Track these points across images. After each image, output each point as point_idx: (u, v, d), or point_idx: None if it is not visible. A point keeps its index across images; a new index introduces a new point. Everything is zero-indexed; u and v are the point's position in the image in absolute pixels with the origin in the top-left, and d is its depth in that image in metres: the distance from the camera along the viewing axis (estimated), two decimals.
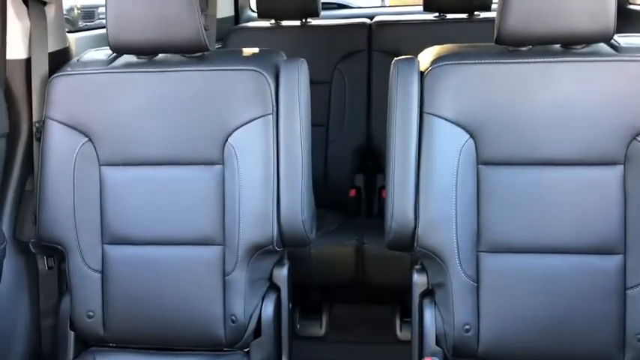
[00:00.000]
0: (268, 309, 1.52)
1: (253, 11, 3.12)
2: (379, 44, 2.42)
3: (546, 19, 1.32)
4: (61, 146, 1.51)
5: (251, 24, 2.73)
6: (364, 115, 2.41)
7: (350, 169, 2.41)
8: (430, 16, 2.50)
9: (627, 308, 1.36)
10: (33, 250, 1.57)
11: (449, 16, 2.45)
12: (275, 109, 1.46)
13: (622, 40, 1.42)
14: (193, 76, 1.48)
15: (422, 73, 1.42)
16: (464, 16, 2.43)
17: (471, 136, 1.38)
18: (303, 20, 2.52)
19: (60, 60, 1.62)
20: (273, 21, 2.54)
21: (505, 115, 1.38)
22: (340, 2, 3.69)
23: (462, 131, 1.38)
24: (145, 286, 1.52)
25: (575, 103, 1.36)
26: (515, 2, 1.32)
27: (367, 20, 2.53)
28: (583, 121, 1.36)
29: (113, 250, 1.53)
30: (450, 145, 1.39)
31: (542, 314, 1.39)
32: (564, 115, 1.36)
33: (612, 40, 1.38)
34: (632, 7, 2.29)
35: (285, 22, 2.54)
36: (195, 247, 1.50)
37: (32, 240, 1.56)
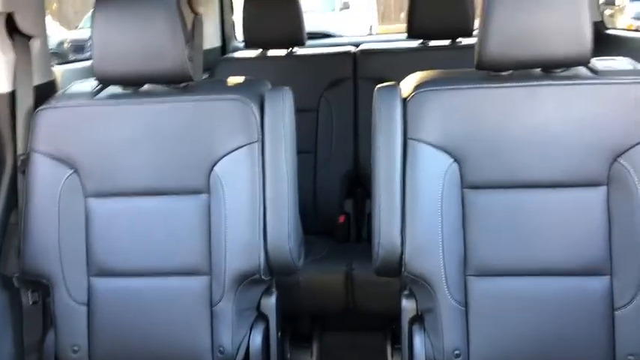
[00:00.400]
0: (256, 339, 1.50)
1: (240, 42, 3.15)
2: (364, 72, 2.45)
3: (525, 44, 1.35)
4: (46, 179, 1.51)
5: (237, 54, 2.76)
6: (351, 142, 2.43)
7: (338, 196, 2.41)
8: (414, 44, 2.54)
9: (616, 329, 1.36)
10: (17, 285, 1.55)
11: (432, 43, 2.49)
12: (260, 137, 1.47)
13: (600, 63, 1.44)
14: (178, 106, 1.49)
15: (404, 100, 1.43)
16: (447, 42, 2.47)
17: (455, 160, 1.40)
18: (289, 49, 2.55)
19: (45, 93, 1.63)
20: (259, 51, 2.57)
21: (488, 139, 1.39)
22: (325, 32, 3.74)
23: (446, 156, 1.40)
24: (131, 319, 1.50)
25: (557, 126, 1.38)
26: (494, 28, 1.35)
27: (352, 48, 2.57)
28: (565, 144, 1.37)
29: (99, 283, 1.51)
30: (434, 170, 1.40)
31: (532, 337, 1.38)
32: (546, 138, 1.38)
33: (590, 64, 1.41)
34: (609, 32, 2.34)
35: (271, 52, 2.57)
36: (182, 278, 1.49)
37: (16, 274, 1.54)
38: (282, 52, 2.56)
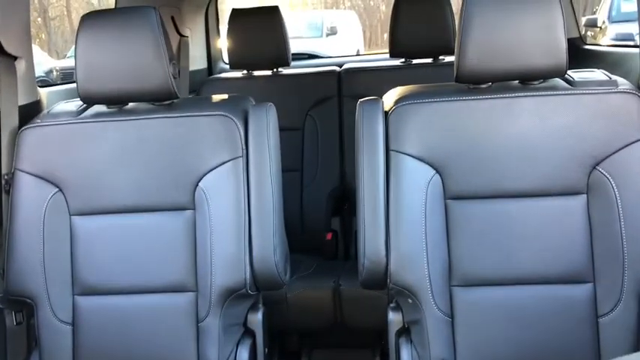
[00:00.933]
0: (243, 355, 1.49)
1: (226, 63, 3.19)
2: (349, 90, 2.48)
3: (502, 57, 1.38)
4: (30, 198, 1.51)
5: (223, 75, 2.79)
6: (338, 159, 2.44)
7: (325, 213, 2.42)
8: (397, 62, 2.58)
9: (600, 336, 1.36)
10: (1, 305, 1.54)
11: (414, 61, 2.54)
12: (245, 152, 1.48)
13: (575, 75, 1.48)
14: (162, 123, 1.50)
15: (386, 113, 1.46)
16: (429, 60, 2.51)
17: (437, 171, 1.41)
18: (275, 70, 2.58)
19: (30, 113, 1.64)
20: (245, 71, 2.60)
21: (468, 150, 1.41)
22: (311, 52, 3.79)
23: (428, 167, 1.41)
24: (117, 337, 1.48)
25: (535, 136, 1.40)
26: (472, 42, 1.38)
27: (336, 68, 2.60)
28: (544, 153, 1.40)
29: (84, 301, 1.50)
30: (416, 182, 1.41)
31: (518, 346, 1.38)
32: (526, 148, 1.40)
33: (567, 76, 1.44)
34: (587, 47, 2.39)
35: (256, 73, 2.60)
36: (168, 295, 1.48)
37: (0, 295, 1.53)
38: (268, 72, 2.59)
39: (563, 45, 1.37)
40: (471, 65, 1.39)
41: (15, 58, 1.61)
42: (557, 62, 1.38)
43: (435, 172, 1.41)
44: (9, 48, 1.57)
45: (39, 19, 13.23)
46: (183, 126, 1.49)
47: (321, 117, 2.46)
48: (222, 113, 1.49)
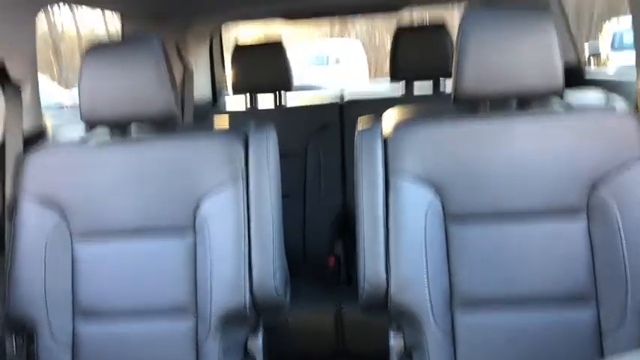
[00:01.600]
0: None
1: (229, 94, 3.24)
2: (350, 120, 2.50)
3: (498, 77, 1.39)
4: (33, 223, 1.52)
5: (228, 108, 2.84)
6: (339, 185, 2.46)
7: (328, 239, 2.42)
8: (398, 94, 2.62)
9: (605, 357, 1.34)
10: (0, 332, 1.53)
11: (416, 92, 2.57)
12: (245, 175, 1.49)
13: (573, 95, 1.49)
14: (163, 146, 1.52)
15: (384, 136, 1.47)
16: (429, 92, 2.55)
17: (437, 194, 1.42)
18: (277, 102, 2.62)
19: (35, 139, 1.66)
20: (248, 100, 2.64)
21: (468, 172, 1.42)
22: (316, 86, 3.84)
23: (427, 190, 1.42)
24: None
25: (534, 157, 1.41)
26: (468, 63, 1.39)
27: (338, 100, 2.65)
28: (543, 174, 1.40)
29: (84, 326, 1.50)
30: (416, 204, 1.41)
31: None
32: (525, 169, 1.41)
33: (564, 97, 1.45)
34: (587, 72, 2.41)
35: (260, 104, 2.64)
36: (168, 319, 1.48)
37: (0, 320, 1.53)
38: (271, 103, 2.63)
39: (559, 64, 1.38)
40: (468, 86, 1.40)
41: (20, 84, 1.65)
42: (554, 82, 1.39)
43: (434, 194, 1.41)
44: (15, 74, 1.61)
45: (51, 55, 13.53)
46: (183, 150, 1.51)
47: (323, 143, 2.49)
48: (222, 136, 1.51)
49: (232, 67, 2.61)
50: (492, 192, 1.41)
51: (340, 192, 2.44)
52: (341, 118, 2.53)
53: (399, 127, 1.46)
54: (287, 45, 2.64)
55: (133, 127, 1.58)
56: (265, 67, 2.55)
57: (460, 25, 1.40)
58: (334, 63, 10.23)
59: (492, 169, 1.41)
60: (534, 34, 1.37)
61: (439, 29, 2.49)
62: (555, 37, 1.38)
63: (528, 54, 1.37)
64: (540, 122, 1.42)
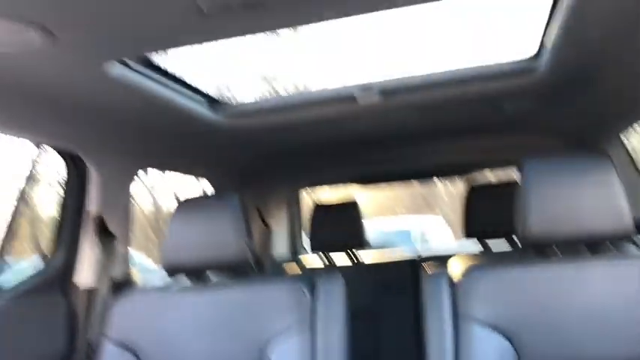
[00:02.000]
0: None
1: (306, 251, 3.33)
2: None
3: (564, 223, 1.38)
4: None
5: (305, 265, 2.91)
6: (414, 342, 2.37)
7: None
8: (474, 248, 2.61)
9: None
10: None
11: (493, 248, 2.55)
12: (312, 323, 1.50)
13: None
14: (236, 291, 1.58)
15: (453, 283, 1.46)
16: (505, 248, 2.52)
17: (509, 341, 1.36)
18: (354, 260, 2.66)
19: (123, 286, 1.78)
20: (326, 261, 2.71)
21: (540, 318, 1.36)
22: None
23: (499, 336, 1.36)
24: None
25: (608, 303, 1.34)
26: (533, 207, 1.40)
27: (415, 257, 2.66)
28: (617, 320, 1.32)
29: None
30: (488, 351, 1.35)
31: None
32: (598, 315, 1.33)
33: (637, 240, 1.41)
34: None
35: (338, 263, 2.70)
36: None
37: None
38: (348, 262, 2.68)
39: (625, 209, 1.37)
40: (534, 230, 1.40)
41: (114, 237, 1.82)
42: (622, 226, 1.36)
43: (506, 340, 1.35)
44: (111, 228, 1.79)
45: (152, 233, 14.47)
46: (253, 295, 1.55)
47: (396, 300, 2.46)
48: (292, 283, 1.55)
49: (310, 225, 2.73)
50: (566, 339, 1.33)
51: (414, 349, 2.35)
52: (415, 274, 2.52)
53: (468, 272, 1.45)
54: (366, 222, 2.70)
55: (210, 275, 1.67)
56: (341, 224, 2.64)
57: (522, 172, 1.44)
58: (421, 242, 9.68)
59: (566, 316, 1.35)
60: (595, 178, 1.38)
61: (512, 186, 2.51)
62: (617, 180, 1.38)
63: (591, 198, 1.38)
64: (612, 266, 1.37)
